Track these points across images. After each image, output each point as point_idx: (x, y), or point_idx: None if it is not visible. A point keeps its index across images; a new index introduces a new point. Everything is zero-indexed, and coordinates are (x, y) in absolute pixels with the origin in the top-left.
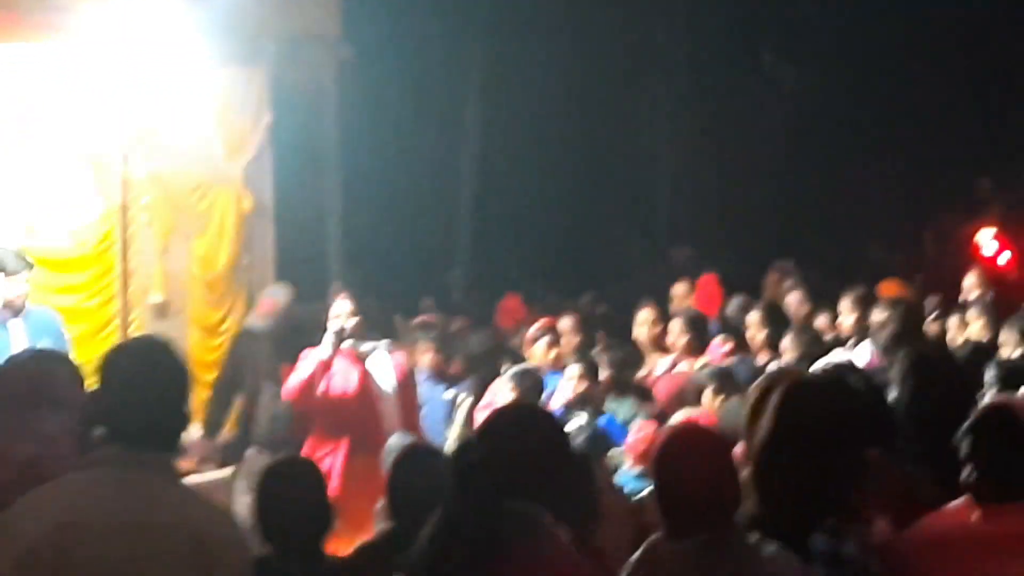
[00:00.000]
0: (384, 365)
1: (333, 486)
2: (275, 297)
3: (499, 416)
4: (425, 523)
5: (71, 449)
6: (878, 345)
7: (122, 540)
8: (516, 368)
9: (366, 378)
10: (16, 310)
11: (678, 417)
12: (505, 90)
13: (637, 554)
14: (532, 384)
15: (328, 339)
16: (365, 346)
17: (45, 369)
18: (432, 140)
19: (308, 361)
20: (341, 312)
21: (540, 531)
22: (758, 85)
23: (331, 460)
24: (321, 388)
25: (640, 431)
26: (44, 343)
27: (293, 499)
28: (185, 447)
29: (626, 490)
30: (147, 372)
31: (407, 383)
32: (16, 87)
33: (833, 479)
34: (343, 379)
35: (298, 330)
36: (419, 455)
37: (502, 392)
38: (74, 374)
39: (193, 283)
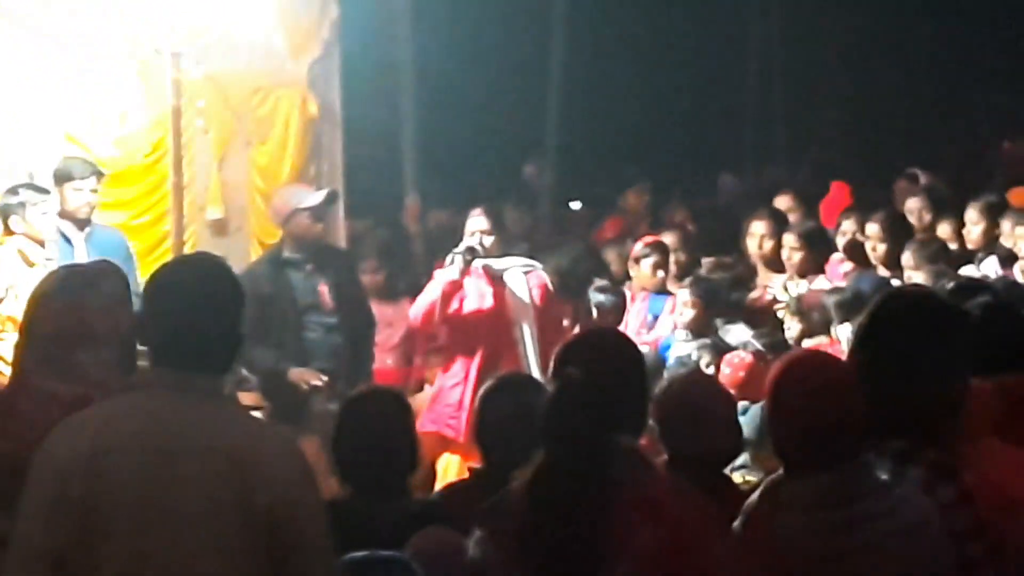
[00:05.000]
0: (521, 284)
1: (462, 419)
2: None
3: (577, 344)
4: (514, 461)
5: (118, 382)
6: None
7: (155, 464)
8: (596, 288)
9: (502, 299)
10: (81, 223)
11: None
12: None
13: (755, 497)
14: (613, 306)
15: (457, 259)
16: (499, 264)
17: (73, 304)
18: (517, 35)
19: (435, 283)
20: (476, 229)
21: (643, 464)
22: None
23: (461, 390)
24: (452, 310)
25: (735, 360)
26: None
27: (372, 432)
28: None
29: None
30: (195, 291)
31: (548, 304)
32: None
33: (926, 405)
34: (477, 301)
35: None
36: (508, 387)
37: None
38: (106, 302)
39: (254, 196)
